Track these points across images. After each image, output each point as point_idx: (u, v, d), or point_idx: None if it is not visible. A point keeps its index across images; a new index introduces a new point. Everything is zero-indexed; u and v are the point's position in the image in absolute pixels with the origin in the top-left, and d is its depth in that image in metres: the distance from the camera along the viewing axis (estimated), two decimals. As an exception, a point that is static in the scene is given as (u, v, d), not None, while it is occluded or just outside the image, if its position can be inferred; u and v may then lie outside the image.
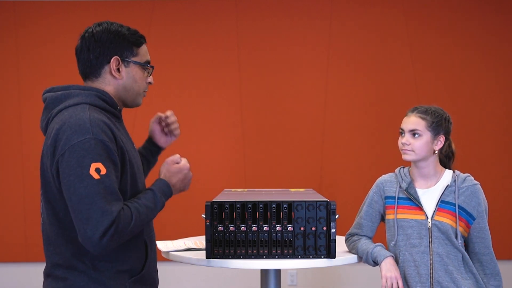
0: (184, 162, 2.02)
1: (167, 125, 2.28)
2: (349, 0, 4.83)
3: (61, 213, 1.81)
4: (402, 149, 2.41)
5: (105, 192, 1.71)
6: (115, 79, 1.92)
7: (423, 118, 2.38)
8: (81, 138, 1.73)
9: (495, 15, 4.81)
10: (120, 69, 1.92)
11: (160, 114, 2.28)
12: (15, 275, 4.76)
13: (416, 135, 2.38)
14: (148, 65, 1.99)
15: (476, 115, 4.77)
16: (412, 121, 2.40)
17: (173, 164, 2.00)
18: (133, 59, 1.94)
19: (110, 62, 1.90)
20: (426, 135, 2.38)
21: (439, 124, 2.39)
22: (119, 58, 1.91)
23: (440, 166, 2.45)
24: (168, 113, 2.28)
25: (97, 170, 1.72)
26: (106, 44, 1.89)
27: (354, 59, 4.81)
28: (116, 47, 1.90)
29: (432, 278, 2.34)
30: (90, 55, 1.90)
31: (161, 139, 2.30)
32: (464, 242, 2.42)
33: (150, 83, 2.01)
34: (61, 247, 1.83)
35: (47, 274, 1.89)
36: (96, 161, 1.72)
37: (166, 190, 1.94)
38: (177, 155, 2.04)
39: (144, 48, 1.98)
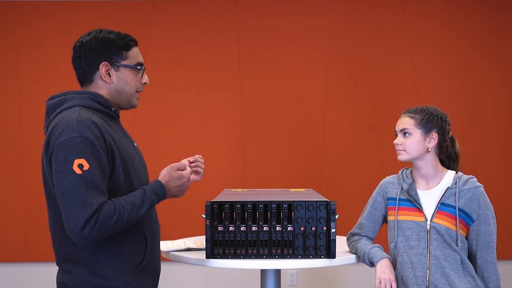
0: (187, 171, 2.08)
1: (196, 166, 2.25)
2: (349, 0, 4.83)
3: (60, 210, 1.88)
4: (396, 150, 2.44)
5: (86, 186, 1.80)
6: (106, 83, 2.03)
7: (411, 117, 2.42)
8: (68, 137, 1.84)
9: (496, 14, 4.81)
10: (111, 73, 2.02)
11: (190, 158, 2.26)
12: (15, 275, 4.76)
13: (407, 134, 2.41)
14: (138, 67, 2.07)
15: (477, 115, 4.77)
16: (402, 121, 2.44)
17: (176, 170, 2.05)
18: (123, 62, 2.03)
19: (99, 68, 2.00)
20: (416, 133, 2.39)
21: (428, 121, 2.40)
22: (108, 63, 2.01)
23: (441, 167, 2.44)
24: (197, 156, 2.27)
25: (80, 166, 1.82)
26: (95, 51, 2.01)
27: (354, 59, 4.81)
28: (105, 53, 2.01)
29: (428, 280, 2.33)
30: (81, 63, 2.02)
31: None
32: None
33: (145, 83, 2.10)
34: (64, 242, 1.93)
35: (58, 266, 2.01)
36: (80, 157, 1.82)
37: (159, 191, 1.99)
38: (184, 163, 2.10)
39: (134, 51, 2.07)
